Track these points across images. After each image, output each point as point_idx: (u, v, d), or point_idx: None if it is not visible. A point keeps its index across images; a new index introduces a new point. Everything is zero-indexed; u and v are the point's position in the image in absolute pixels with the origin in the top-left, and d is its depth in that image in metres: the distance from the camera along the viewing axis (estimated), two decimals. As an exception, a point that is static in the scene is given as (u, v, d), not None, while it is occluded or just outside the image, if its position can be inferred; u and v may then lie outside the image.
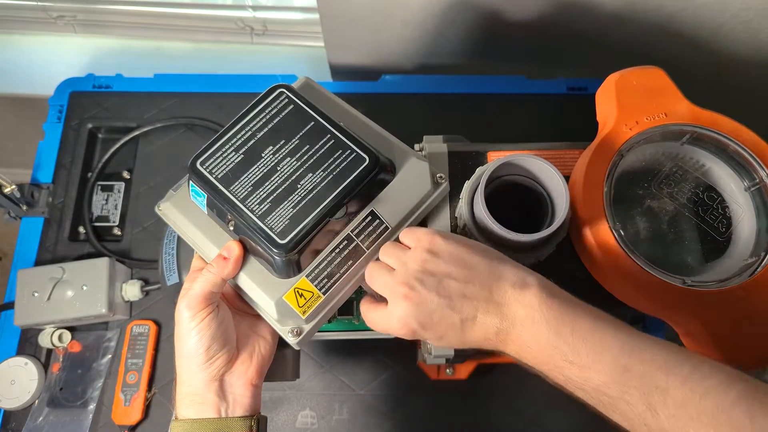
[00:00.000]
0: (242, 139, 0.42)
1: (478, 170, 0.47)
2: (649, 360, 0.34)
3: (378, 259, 0.43)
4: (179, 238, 0.53)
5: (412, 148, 0.53)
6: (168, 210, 0.46)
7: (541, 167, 0.44)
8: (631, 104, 0.49)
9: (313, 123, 0.43)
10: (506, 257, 0.41)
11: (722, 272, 0.46)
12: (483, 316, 0.38)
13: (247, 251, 0.43)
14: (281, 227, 0.40)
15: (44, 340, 0.66)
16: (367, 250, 0.43)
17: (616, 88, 0.49)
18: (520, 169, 0.46)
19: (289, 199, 0.40)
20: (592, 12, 0.72)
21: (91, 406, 0.65)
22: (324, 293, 0.42)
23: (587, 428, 0.65)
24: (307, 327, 0.43)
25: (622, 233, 0.45)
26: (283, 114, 0.43)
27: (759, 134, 0.48)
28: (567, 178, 0.49)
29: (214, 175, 0.41)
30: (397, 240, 0.44)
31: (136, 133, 0.77)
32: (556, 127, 0.79)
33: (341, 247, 0.43)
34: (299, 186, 0.41)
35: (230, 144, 0.42)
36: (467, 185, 0.48)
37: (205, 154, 0.42)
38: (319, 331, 0.47)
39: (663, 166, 0.50)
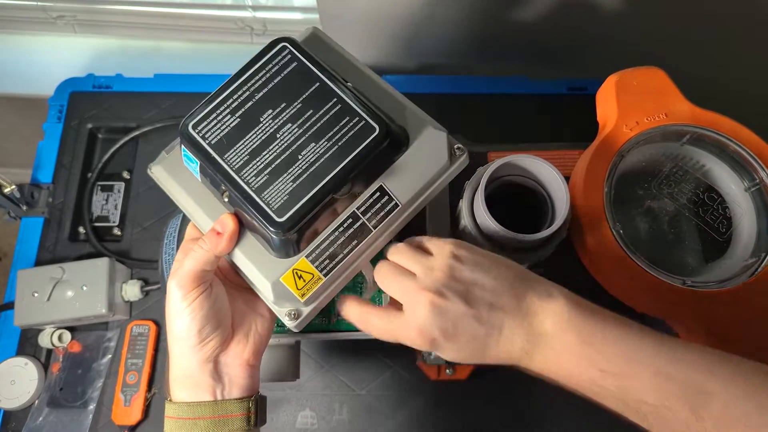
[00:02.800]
0: (239, 101, 0.38)
1: (479, 170, 0.47)
2: (687, 364, 0.34)
3: (382, 258, 0.41)
4: (179, 238, 0.53)
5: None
6: (159, 173, 0.42)
7: (541, 168, 0.44)
8: (631, 104, 0.49)
9: (318, 84, 0.38)
10: (529, 270, 0.39)
11: (722, 273, 0.46)
12: (509, 328, 0.36)
13: (242, 225, 0.39)
14: (280, 203, 0.36)
15: (44, 341, 0.66)
16: (374, 229, 0.39)
17: (617, 89, 0.49)
18: (521, 170, 0.46)
19: (289, 171, 0.36)
20: (592, 12, 0.72)
21: (91, 407, 0.65)
22: (325, 275, 0.39)
23: (587, 428, 0.65)
24: (306, 310, 0.39)
25: (623, 233, 0.45)
26: (285, 72, 0.38)
27: (759, 134, 0.48)
28: (567, 178, 0.49)
29: (207, 141, 0.37)
30: (393, 242, 0.42)
31: (136, 133, 0.77)
32: (556, 127, 0.79)
33: (346, 225, 0.39)
34: (300, 156, 0.37)
35: (226, 105, 0.38)
36: (468, 185, 0.48)
37: (197, 116, 0.37)
38: (319, 332, 0.47)
39: (663, 167, 0.50)
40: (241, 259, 0.39)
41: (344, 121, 0.37)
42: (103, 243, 0.72)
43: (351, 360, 0.69)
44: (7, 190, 0.68)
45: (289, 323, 0.39)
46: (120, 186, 0.76)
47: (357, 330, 0.48)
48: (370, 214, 0.39)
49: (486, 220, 0.43)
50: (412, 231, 0.52)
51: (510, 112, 0.80)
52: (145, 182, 0.76)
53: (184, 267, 0.38)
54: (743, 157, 0.48)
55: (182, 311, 0.38)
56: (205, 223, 0.40)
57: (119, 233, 0.74)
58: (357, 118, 0.37)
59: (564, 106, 0.80)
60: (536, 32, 0.77)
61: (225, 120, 0.37)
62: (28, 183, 0.73)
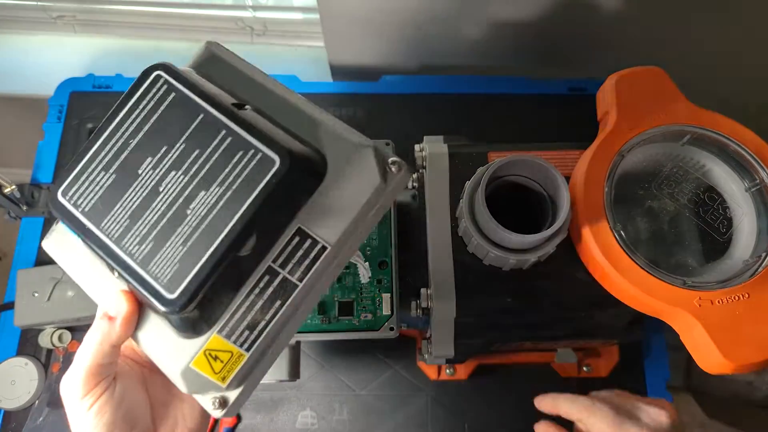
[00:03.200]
0: (113, 152, 0.31)
1: (479, 171, 0.47)
2: None
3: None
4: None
5: (412, 148, 0.53)
6: (51, 248, 0.36)
7: (541, 168, 0.44)
8: (631, 104, 0.49)
9: (202, 116, 0.30)
10: None
11: (723, 273, 0.46)
12: None
13: (141, 302, 0.32)
14: (169, 275, 0.29)
15: (44, 341, 0.66)
16: (301, 282, 0.31)
17: (617, 89, 0.49)
18: (521, 170, 0.46)
19: (178, 232, 0.29)
20: (592, 12, 0.72)
21: (92, 407, 0.65)
22: (247, 350, 0.31)
23: (587, 428, 0.65)
24: (232, 396, 0.32)
25: (623, 234, 0.45)
26: (163, 107, 0.31)
27: (759, 134, 0.48)
28: (567, 178, 0.49)
29: (80, 209, 0.30)
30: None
31: (136, 133, 0.77)
32: (556, 127, 0.79)
33: (262, 285, 0.31)
34: (189, 211, 0.29)
35: (98, 161, 0.31)
36: (468, 186, 0.48)
37: (66, 179, 0.31)
38: (319, 332, 0.47)
39: (663, 167, 0.50)
40: (144, 344, 0.33)
41: (237, 157, 0.30)
42: (103, 243, 0.72)
43: (351, 360, 0.69)
44: (7, 190, 0.68)
45: (216, 413, 0.32)
46: (120, 186, 0.76)
47: (357, 330, 0.48)
48: (291, 265, 0.31)
49: (486, 220, 0.43)
50: (409, 228, 0.52)
51: (510, 112, 0.80)
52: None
53: (75, 365, 0.31)
54: (743, 157, 0.48)
55: (82, 419, 0.31)
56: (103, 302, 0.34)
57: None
58: (252, 151, 0.29)
59: (564, 106, 0.80)
60: (536, 32, 0.77)
61: (98, 180, 0.31)
62: (28, 183, 0.73)
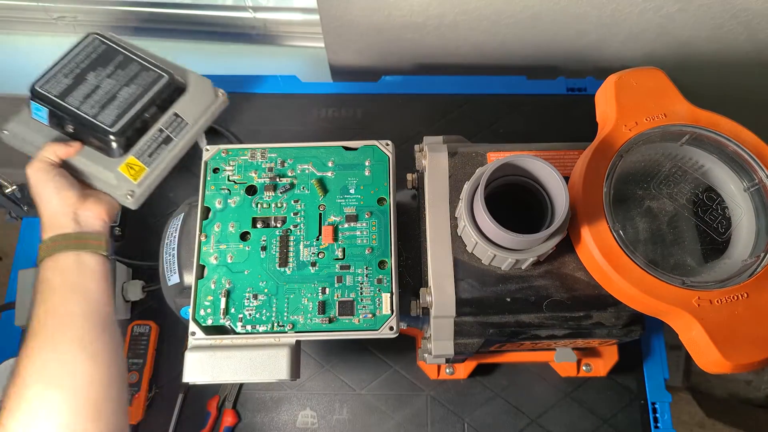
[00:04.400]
0: (69, 69, 0.57)
1: (478, 171, 0.47)
2: None
3: None
4: (180, 238, 0.53)
5: (413, 148, 0.54)
6: (12, 131, 0.58)
7: (540, 168, 0.45)
8: (630, 105, 0.49)
9: (122, 57, 0.58)
10: None
11: (722, 273, 0.46)
12: None
13: (86, 145, 0.56)
14: (110, 121, 0.55)
15: (45, 340, 0.66)
16: (175, 138, 0.59)
17: (616, 89, 0.49)
18: (520, 170, 0.46)
19: (113, 105, 0.55)
20: (592, 12, 0.72)
21: (92, 406, 0.65)
22: (147, 166, 0.57)
23: (586, 428, 0.66)
24: (138, 190, 0.56)
25: (622, 233, 0.45)
26: (100, 50, 0.58)
27: (759, 135, 0.48)
28: (567, 178, 0.49)
29: (50, 93, 0.55)
30: None
31: (137, 133, 0.78)
32: (555, 127, 0.79)
33: (155, 135, 0.57)
34: (119, 95, 0.56)
35: (61, 73, 0.57)
36: (467, 186, 0.48)
37: (43, 80, 0.56)
38: (319, 332, 0.47)
39: (662, 167, 0.50)
40: (85, 163, 0.55)
41: (145, 73, 0.58)
42: (103, 243, 0.73)
43: (351, 360, 0.69)
44: (8, 191, 0.68)
45: (130, 202, 0.56)
46: (120, 186, 0.77)
47: (357, 329, 0.48)
48: (170, 128, 0.58)
49: (486, 220, 0.43)
50: (408, 228, 0.52)
51: (510, 112, 0.80)
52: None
53: (39, 157, 0.53)
54: (742, 157, 0.48)
55: (46, 182, 0.51)
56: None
57: (120, 233, 0.74)
58: (153, 71, 0.58)
59: (563, 106, 0.80)
60: (536, 32, 0.77)
61: (61, 80, 0.56)
62: (28, 183, 0.73)
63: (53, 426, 0.42)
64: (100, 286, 0.50)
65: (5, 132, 0.58)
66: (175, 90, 0.59)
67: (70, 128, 0.56)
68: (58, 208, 0.51)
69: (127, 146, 0.56)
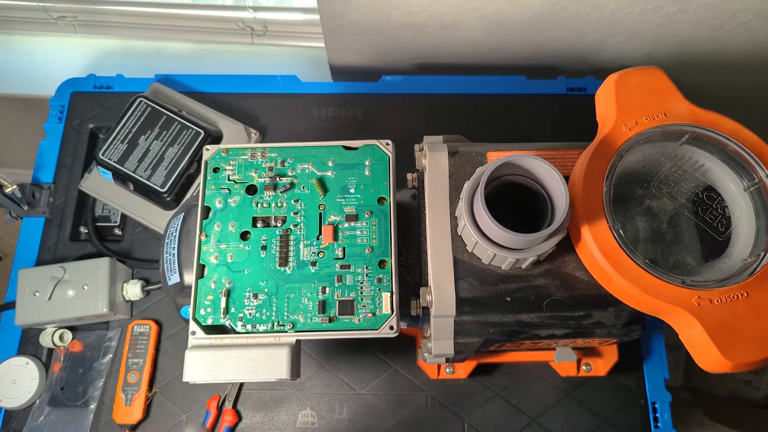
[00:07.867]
0: (124, 135, 0.69)
1: (478, 170, 0.47)
2: None
3: None
4: (180, 237, 0.53)
5: (412, 148, 0.54)
6: (88, 185, 0.72)
7: (540, 167, 0.45)
8: (630, 104, 0.49)
9: (165, 117, 0.69)
10: None
11: (722, 272, 0.46)
12: None
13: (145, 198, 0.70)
14: (161, 182, 0.67)
15: (45, 340, 0.67)
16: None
17: (616, 89, 0.49)
18: (520, 169, 0.46)
19: (162, 165, 0.67)
20: (592, 12, 0.72)
21: (92, 406, 0.65)
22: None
23: (586, 428, 0.66)
24: None
25: (622, 233, 0.45)
26: (145, 114, 0.70)
27: (758, 134, 0.48)
28: (567, 178, 0.49)
29: (112, 160, 0.68)
30: None
31: (137, 133, 0.79)
32: (555, 127, 0.79)
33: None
34: (166, 156, 0.68)
35: (117, 139, 0.68)
36: (467, 185, 0.48)
37: (103, 148, 0.68)
38: (319, 331, 0.47)
39: (662, 166, 0.50)
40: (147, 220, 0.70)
41: (185, 132, 0.69)
42: (104, 243, 0.73)
43: (351, 359, 0.69)
44: (8, 190, 0.68)
45: None
46: (121, 186, 0.77)
47: (357, 329, 0.48)
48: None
49: (486, 219, 0.43)
50: (408, 228, 0.52)
51: (510, 112, 0.80)
52: (145, 182, 0.76)
53: None
54: (742, 156, 0.48)
55: None
56: (130, 204, 0.72)
57: (120, 233, 0.74)
58: (191, 130, 0.69)
59: (563, 106, 0.80)
60: (536, 32, 0.77)
61: (119, 147, 0.68)
62: (29, 183, 0.73)
63: None
64: None
65: (81, 188, 0.72)
66: (212, 142, 0.68)
67: (131, 186, 0.68)
68: None
69: (177, 200, 0.68)
